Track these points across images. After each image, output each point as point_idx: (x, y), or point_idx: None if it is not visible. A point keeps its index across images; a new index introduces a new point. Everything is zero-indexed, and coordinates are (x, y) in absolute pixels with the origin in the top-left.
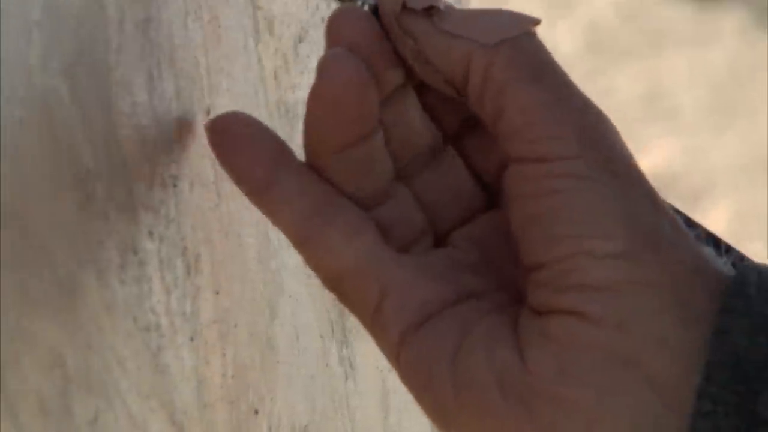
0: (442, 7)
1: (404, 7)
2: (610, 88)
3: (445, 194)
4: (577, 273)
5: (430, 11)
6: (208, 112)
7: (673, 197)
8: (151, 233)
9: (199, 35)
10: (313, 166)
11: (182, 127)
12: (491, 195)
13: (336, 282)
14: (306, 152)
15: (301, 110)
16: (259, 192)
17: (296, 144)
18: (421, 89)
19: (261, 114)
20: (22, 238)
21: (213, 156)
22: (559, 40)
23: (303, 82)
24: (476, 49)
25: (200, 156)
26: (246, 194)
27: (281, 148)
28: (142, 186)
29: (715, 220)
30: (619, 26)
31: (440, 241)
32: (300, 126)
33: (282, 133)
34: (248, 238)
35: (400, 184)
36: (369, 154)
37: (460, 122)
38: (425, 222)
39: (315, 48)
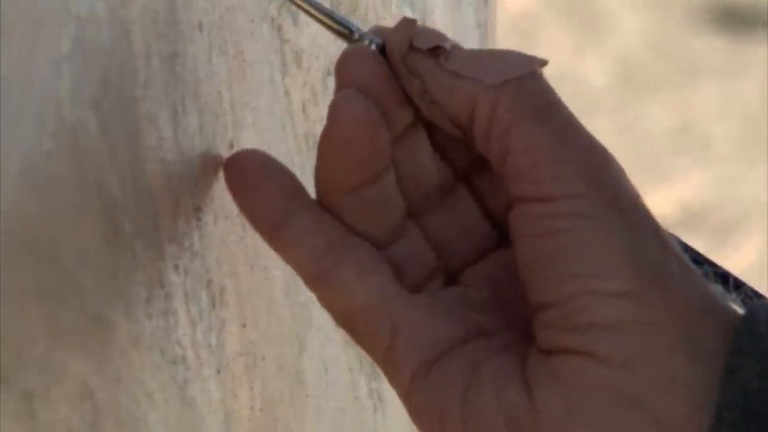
0: (448, 47)
1: (411, 46)
2: (641, 120)
3: (456, 232)
4: (584, 312)
5: (436, 51)
6: (231, 146)
7: (705, 230)
8: (176, 266)
9: (223, 69)
10: (325, 205)
11: (206, 162)
12: (502, 233)
13: (348, 320)
14: (318, 192)
15: None
16: (271, 230)
17: None
18: (431, 127)
19: (288, 147)
20: (51, 270)
21: None
22: (589, 72)
23: None
24: (482, 90)
25: (224, 189)
26: (259, 232)
27: (295, 186)
28: (167, 219)
29: (747, 252)
30: (649, 58)
31: (452, 278)
32: None
33: (310, 165)
34: (275, 271)
35: (412, 222)
36: (381, 193)
37: (469, 160)
38: (437, 260)
39: None
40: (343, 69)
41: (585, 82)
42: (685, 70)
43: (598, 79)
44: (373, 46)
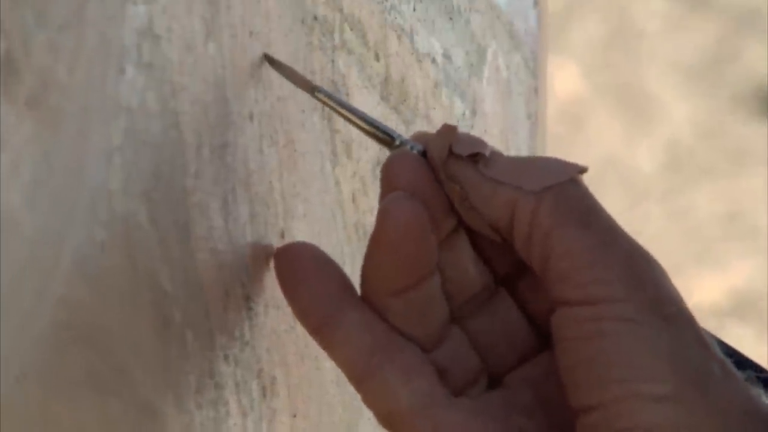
0: (487, 153)
1: (451, 153)
2: (690, 207)
3: (498, 337)
4: (626, 416)
5: (475, 157)
6: (282, 236)
7: (754, 318)
8: (226, 356)
9: (274, 159)
10: (371, 305)
11: (257, 251)
12: (544, 337)
13: (391, 420)
14: (364, 292)
15: None
16: (319, 327)
17: None
18: (472, 233)
19: (338, 237)
20: (102, 360)
21: None
22: (639, 159)
23: None
24: (521, 196)
25: (274, 279)
26: (306, 327)
27: (344, 283)
28: (218, 309)
29: None
30: (698, 145)
31: (495, 381)
32: None
33: (360, 255)
34: (325, 361)
35: (455, 326)
36: (426, 296)
37: (510, 264)
38: (480, 364)
39: None
40: (389, 173)
41: (634, 168)
42: (733, 156)
43: (648, 166)
44: (414, 151)
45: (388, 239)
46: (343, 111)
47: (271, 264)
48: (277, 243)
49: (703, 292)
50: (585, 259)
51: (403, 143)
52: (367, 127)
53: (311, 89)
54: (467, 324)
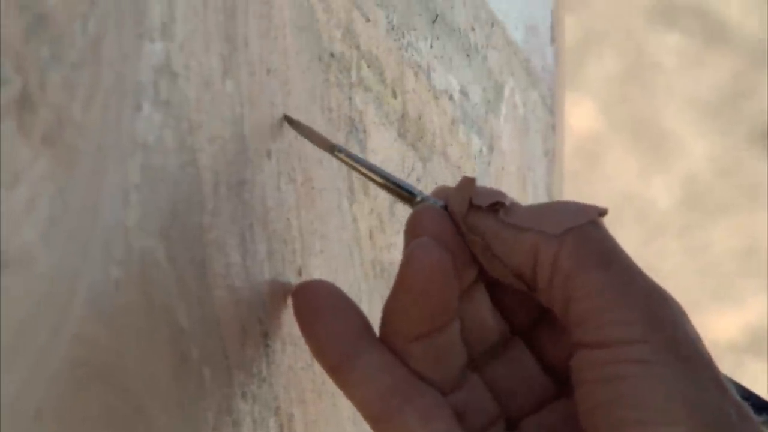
0: (507, 203)
1: (471, 205)
2: (707, 243)
3: (515, 384)
4: None
5: (496, 207)
6: (300, 274)
7: None
8: (244, 394)
9: (292, 197)
10: (390, 347)
11: (274, 288)
12: (561, 383)
13: None
14: (384, 334)
15: (397, 269)
16: (336, 367)
17: None
18: (490, 284)
19: (356, 274)
20: (118, 397)
21: None
22: (656, 195)
23: (399, 241)
24: (543, 240)
25: (291, 316)
26: (323, 367)
27: (362, 323)
28: (235, 346)
29: None
30: (714, 181)
31: (512, 426)
32: None
33: (377, 293)
34: (342, 399)
35: (473, 371)
36: (446, 342)
37: (526, 315)
38: (497, 409)
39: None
40: (413, 227)
41: (651, 204)
42: (750, 192)
43: (664, 202)
44: (438, 207)
45: (413, 284)
46: (363, 169)
47: (289, 301)
48: (294, 280)
49: (720, 328)
50: (604, 300)
51: (423, 200)
52: (387, 184)
53: (330, 148)
54: (485, 370)
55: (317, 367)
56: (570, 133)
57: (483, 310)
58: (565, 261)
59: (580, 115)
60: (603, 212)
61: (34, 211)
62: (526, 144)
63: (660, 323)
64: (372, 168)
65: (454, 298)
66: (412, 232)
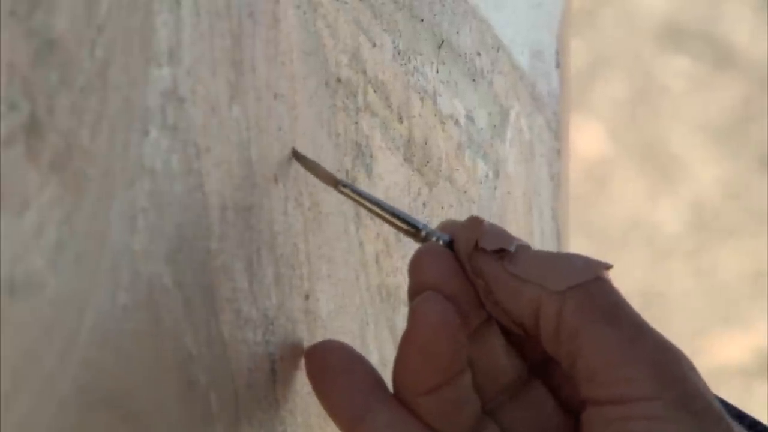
0: (513, 249)
1: (476, 247)
2: (715, 267)
3: (532, 427)
4: None
5: (501, 253)
6: (307, 298)
7: None
8: (250, 418)
9: (299, 222)
10: (402, 402)
11: (281, 313)
12: (578, 423)
13: None
14: (395, 390)
15: (403, 294)
16: (350, 425)
17: (399, 329)
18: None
19: (362, 298)
20: (126, 422)
21: (310, 340)
22: (663, 219)
23: (405, 266)
24: (546, 295)
25: (297, 341)
26: (337, 425)
27: (375, 380)
28: (242, 371)
29: None
30: (722, 205)
31: None
32: (402, 309)
33: (383, 317)
34: None
35: (488, 418)
36: (457, 394)
37: (543, 352)
38: None
39: None
40: (417, 268)
41: (659, 227)
42: (758, 216)
43: (672, 225)
44: (441, 242)
45: (419, 340)
46: (368, 203)
47: (294, 326)
48: (301, 304)
49: (729, 352)
50: (612, 357)
51: (429, 234)
52: (392, 219)
53: (335, 183)
54: (501, 415)
55: None
56: (578, 157)
57: (496, 349)
58: (570, 317)
59: (588, 139)
60: (608, 267)
61: (42, 237)
62: (532, 168)
63: (671, 379)
64: (376, 202)
65: (462, 350)
66: (415, 273)
